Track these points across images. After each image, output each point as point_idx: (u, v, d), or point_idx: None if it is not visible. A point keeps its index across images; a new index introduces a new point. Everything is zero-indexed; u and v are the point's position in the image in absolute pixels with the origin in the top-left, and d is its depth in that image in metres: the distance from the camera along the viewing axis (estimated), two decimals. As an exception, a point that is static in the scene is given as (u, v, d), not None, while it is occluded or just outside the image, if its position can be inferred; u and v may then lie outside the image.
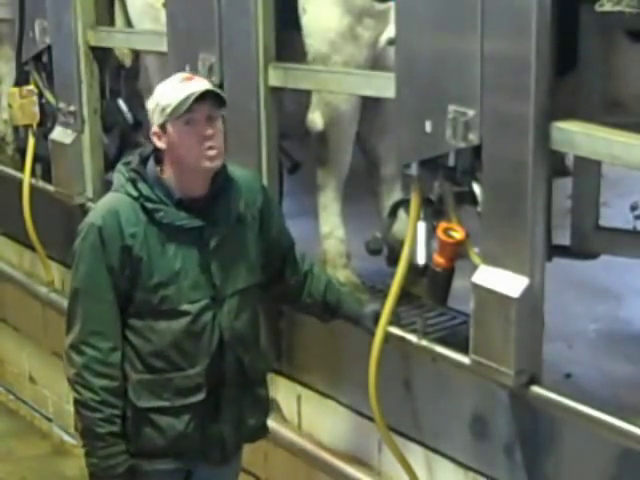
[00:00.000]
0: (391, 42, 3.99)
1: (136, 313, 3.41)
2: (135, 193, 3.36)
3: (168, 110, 3.29)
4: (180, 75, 3.41)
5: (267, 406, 3.77)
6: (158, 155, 3.42)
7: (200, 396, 3.45)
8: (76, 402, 3.41)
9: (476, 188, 3.57)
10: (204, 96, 3.29)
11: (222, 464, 3.61)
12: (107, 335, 3.37)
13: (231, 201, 3.50)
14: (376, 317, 3.81)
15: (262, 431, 3.75)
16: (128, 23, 5.56)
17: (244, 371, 3.55)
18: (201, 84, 3.34)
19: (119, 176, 3.43)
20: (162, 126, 3.33)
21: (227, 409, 3.53)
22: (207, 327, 3.43)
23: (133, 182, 3.37)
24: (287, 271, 3.79)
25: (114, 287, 3.36)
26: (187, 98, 3.26)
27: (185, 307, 3.39)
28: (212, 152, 3.31)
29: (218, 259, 3.44)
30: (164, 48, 4.88)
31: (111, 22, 5.70)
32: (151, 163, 3.42)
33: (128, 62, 5.72)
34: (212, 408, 3.50)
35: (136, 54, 5.69)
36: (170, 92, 3.32)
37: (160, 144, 3.36)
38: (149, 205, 3.35)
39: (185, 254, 3.39)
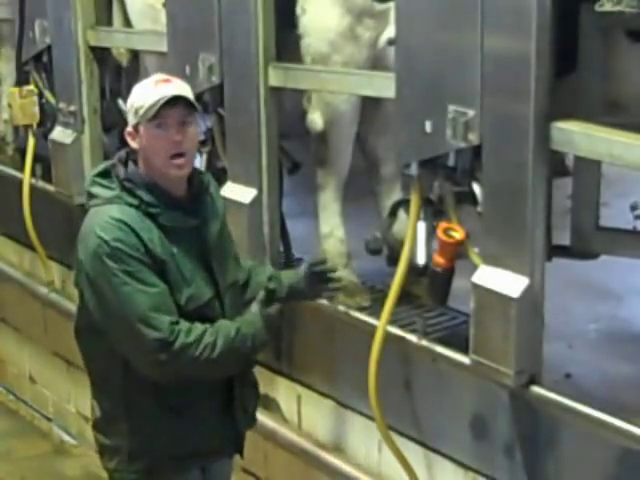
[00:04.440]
0: (391, 42, 3.99)
1: None
2: (135, 201, 3.32)
3: (140, 112, 3.27)
4: (157, 77, 3.37)
5: (258, 392, 3.76)
6: (133, 159, 3.39)
7: (218, 390, 3.49)
8: (215, 360, 3.30)
9: (476, 188, 3.57)
10: (176, 101, 3.26)
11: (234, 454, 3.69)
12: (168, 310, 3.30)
13: (215, 199, 3.54)
14: (311, 274, 3.77)
15: (254, 420, 3.75)
16: (127, 23, 5.56)
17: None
18: (175, 88, 3.30)
19: (102, 190, 3.36)
20: (135, 127, 3.32)
21: (237, 399, 3.55)
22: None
23: (129, 191, 3.33)
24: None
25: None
26: (157, 101, 3.24)
27: (204, 310, 3.38)
28: (179, 161, 3.29)
29: (215, 256, 3.46)
30: (164, 48, 4.89)
31: (109, 22, 5.71)
32: (135, 169, 3.38)
33: (125, 62, 5.71)
34: (227, 400, 3.53)
35: (134, 54, 5.69)
36: (144, 94, 3.30)
37: (134, 144, 3.35)
38: (153, 210, 3.32)
39: (191, 253, 3.39)
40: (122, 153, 3.44)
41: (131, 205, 3.32)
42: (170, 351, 3.24)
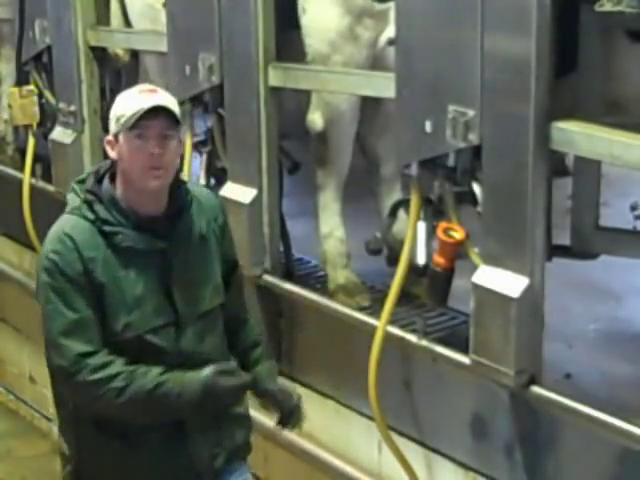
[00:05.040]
0: (391, 42, 4.00)
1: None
2: (92, 216, 3.18)
3: (121, 120, 3.15)
4: (143, 86, 3.27)
5: (249, 423, 3.48)
6: (113, 172, 3.26)
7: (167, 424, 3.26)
8: (123, 406, 3.09)
9: (476, 188, 3.57)
10: (158, 113, 3.13)
11: None
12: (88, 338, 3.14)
13: (194, 220, 3.31)
14: (282, 403, 3.38)
15: (247, 448, 3.49)
16: (127, 23, 5.56)
17: None
18: (159, 98, 3.17)
19: (73, 197, 3.26)
20: (115, 135, 3.18)
21: (197, 436, 3.30)
22: (171, 352, 3.22)
23: (89, 204, 3.19)
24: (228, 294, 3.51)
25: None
26: (139, 110, 3.12)
27: (149, 337, 3.18)
28: (156, 172, 3.15)
29: (181, 281, 3.25)
30: (164, 48, 4.89)
31: (109, 22, 5.70)
32: (106, 183, 3.24)
33: (126, 58, 5.68)
34: (180, 437, 3.29)
35: (134, 53, 5.68)
36: (126, 102, 3.19)
37: (112, 153, 3.22)
38: (107, 228, 3.17)
39: (147, 277, 3.20)
40: (106, 163, 3.30)
41: (87, 219, 3.19)
42: (71, 383, 3.12)
